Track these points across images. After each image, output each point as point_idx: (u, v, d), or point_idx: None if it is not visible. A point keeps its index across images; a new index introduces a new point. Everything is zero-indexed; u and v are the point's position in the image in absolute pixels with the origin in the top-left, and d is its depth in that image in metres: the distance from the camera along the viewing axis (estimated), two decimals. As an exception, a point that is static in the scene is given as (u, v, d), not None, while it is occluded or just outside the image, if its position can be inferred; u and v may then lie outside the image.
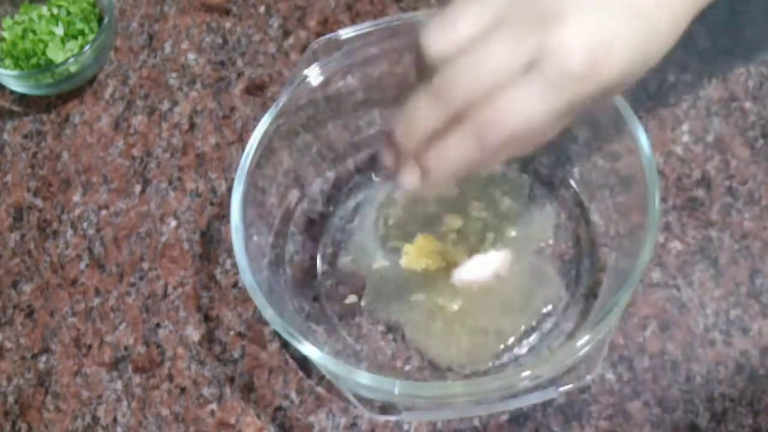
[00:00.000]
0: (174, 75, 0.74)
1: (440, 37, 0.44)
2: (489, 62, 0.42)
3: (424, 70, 0.45)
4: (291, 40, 0.74)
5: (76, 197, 0.69)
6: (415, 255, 0.59)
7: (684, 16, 0.45)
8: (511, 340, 0.57)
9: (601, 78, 0.42)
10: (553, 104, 0.42)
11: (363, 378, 0.49)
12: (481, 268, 0.59)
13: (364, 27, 0.59)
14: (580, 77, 0.42)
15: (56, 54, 0.71)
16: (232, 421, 0.58)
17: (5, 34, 0.74)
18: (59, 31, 0.72)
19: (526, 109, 0.42)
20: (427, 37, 0.44)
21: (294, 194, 0.64)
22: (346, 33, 0.59)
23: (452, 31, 0.44)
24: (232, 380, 0.60)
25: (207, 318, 0.62)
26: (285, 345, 0.60)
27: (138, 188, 0.69)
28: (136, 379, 0.61)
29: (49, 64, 0.71)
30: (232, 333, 0.61)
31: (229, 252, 0.64)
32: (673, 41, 0.45)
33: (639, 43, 0.43)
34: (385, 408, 0.56)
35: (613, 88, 0.43)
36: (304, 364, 0.59)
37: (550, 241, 0.60)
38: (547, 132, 0.44)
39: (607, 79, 0.42)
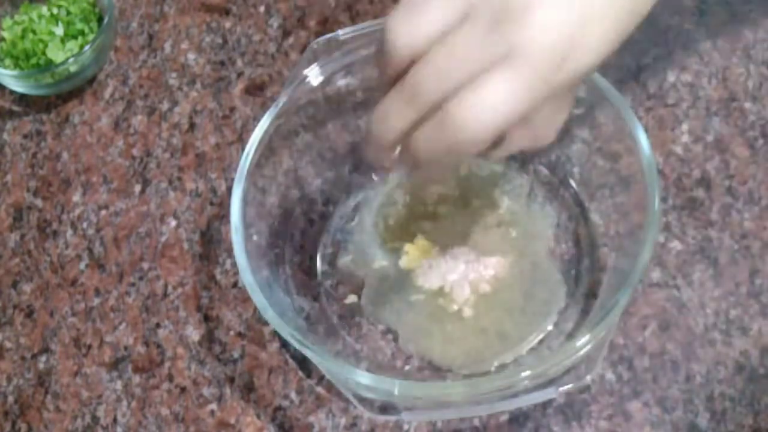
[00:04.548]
0: (174, 75, 0.74)
1: (406, 29, 0.42)
2: (458, 61, 0.41)
3: (388, 64, 0.43)
4: (291, 40, 0.74)
5: (76, 197, 0.69)
6: (415, 255, 0.59)
7: None
8: (511, 341, 0.56)
9: (574, 66, 0.41)
10: (525, 98, 0.41)
11: (363, 378, 0.49)
12: (438, 273, 0.59)
13: (364, 27, 0.59)
14: (552, 70, 0.40)
15: (56, 54, 0.71)
16: (232, 421, 0.58)
17: (5, 34, 0.74)
18: (59, 31, 0.72)
19: (497, 105, 0.40)
20: (392, 29, 0.42)
21: (294, 194, 0.64)
22: (346, 33, 0.59)
23: (418, 23, 0.41)
24: (232, 380, 0.60)
25: (207, 318, 0.62)
26: (285, 345, 0.60)
27: (138, 188, 0.69)
28: (136, 379, 0.61)
29: (49, 64, 0.71)
30: (232, 333, 0.61)
31: (229, 252, 0.64)
32: (649, 8, 0.43)
33: (612, 22, 0.41)
34: (385, 408, 0.55)
35: (588, 71, 0.42)
36: (304, 364, 0.59)
37: (550, 241, 0.60)
38: (525, 116, 0.42)
39: (580, 67, 0.41)
